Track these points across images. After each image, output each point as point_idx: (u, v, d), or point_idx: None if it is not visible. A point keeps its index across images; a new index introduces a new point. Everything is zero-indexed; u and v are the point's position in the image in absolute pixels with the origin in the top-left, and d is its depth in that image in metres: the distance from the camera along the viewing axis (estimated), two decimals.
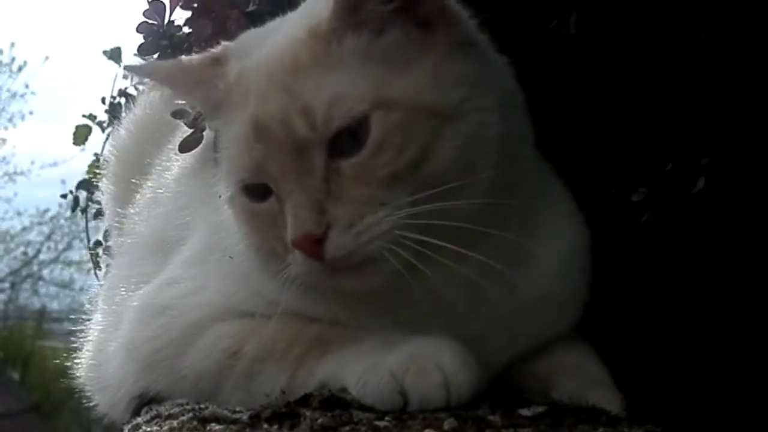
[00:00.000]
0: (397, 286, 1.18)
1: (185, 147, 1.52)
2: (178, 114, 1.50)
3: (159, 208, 1.60)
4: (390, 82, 1.15)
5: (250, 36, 1.33)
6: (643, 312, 1.50)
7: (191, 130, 1.51)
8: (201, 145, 1.51)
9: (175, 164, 1.62)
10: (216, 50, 1.31)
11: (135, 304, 1.41)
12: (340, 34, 1.16)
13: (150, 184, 1.69)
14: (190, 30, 1.56)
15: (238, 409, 1.20)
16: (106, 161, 1.97)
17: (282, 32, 1.24)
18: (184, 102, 1.41)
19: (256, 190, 1.21)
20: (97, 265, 2.36)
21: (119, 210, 1.80)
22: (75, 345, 1.70)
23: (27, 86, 13.00)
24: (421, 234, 1.12)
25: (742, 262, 1.45)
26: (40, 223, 13.15)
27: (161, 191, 1.62)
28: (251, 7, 1.49)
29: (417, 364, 1.12)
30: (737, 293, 1.46)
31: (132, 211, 1.72)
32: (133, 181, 1.78)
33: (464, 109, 1.16)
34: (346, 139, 1.14)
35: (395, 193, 1.13)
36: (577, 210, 1.37)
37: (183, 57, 1.34)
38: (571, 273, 1.34)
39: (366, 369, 1.14)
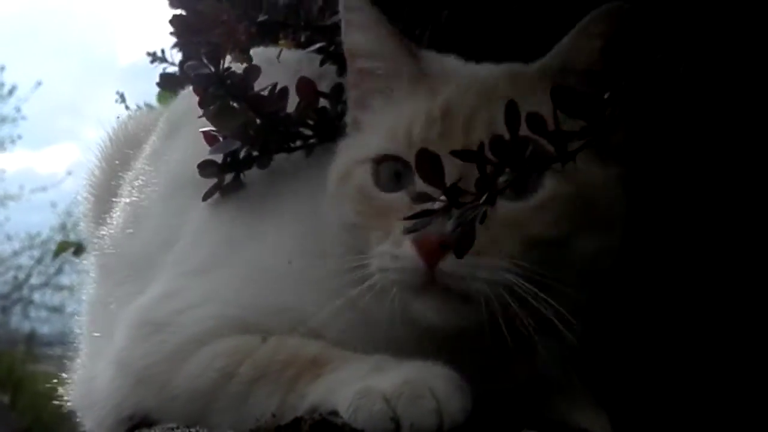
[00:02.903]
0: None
1: (209, 194, 1.46)
2: (203, 166, 1.45)
3: (146, 222, 1.57)
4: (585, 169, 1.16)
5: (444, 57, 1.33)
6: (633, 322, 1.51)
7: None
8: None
9: (153, 181, 1.60)
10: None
11: (129, 319, 1.38)
12: (542, 85, 1.16)
13: (127, 201, 1.65)
14: (183, 54, 1.55)
15: None
16: (84, 201, 1.96)
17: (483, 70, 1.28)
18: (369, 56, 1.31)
19: (386, 176, 1.20)
20: None
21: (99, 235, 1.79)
22: (65, 369, 1.69)
23: (18, 110, 12.97)
24: (527, 305, 1.11)
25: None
26: (30, 247, 13.13)
27: (143, 208, 1.59)
28: (262, 18, 1.48)
29: (410, 389, 1.11)
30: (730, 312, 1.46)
31: (113, 228, 1.67)
32: (110, 207, 1.74)
33: (616, 225, 1.20)
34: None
35: (529, 258, 1.12)
36: None
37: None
38: None
39: (358, 393, 1.13)
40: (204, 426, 1.25)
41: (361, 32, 1.29)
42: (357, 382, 1.15)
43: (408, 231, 1.08)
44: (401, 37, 1.28)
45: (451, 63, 1.31)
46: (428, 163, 1.05)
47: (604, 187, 1.20)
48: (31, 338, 12.41)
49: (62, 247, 2.70)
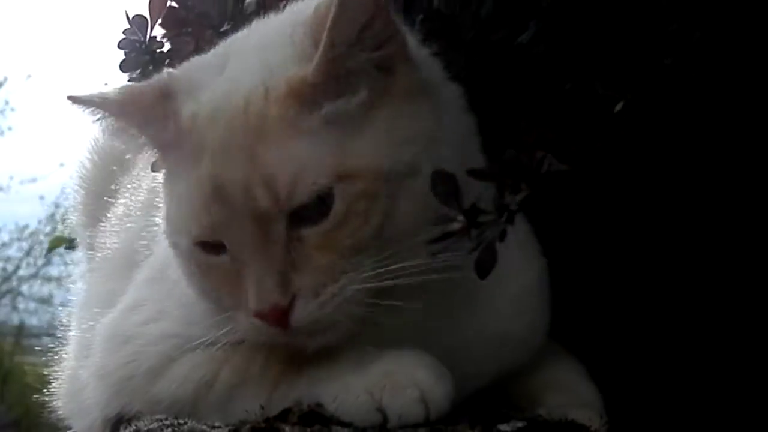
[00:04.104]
0: (357, 331, 1.17)
1: (157, 167, 1.49)
2: None
3: (129, 224, 1.58)
4: (351, 150, 1.11)
5: (197, 66, 1.26)
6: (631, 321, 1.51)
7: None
8: None
9: (144, 181, 1.61)
10: (162, 79, 1.25)
11: (102, 332, 1.39)
12: (319, 94, 1.11)
13: (122, 201, 1.67)
14: (171, 46, 1.56)
15: (217, 424, 1.19)
16: (74, 194, 1.96)
17: (240, 71, 1.18)
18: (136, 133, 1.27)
19: (209, 245, 1.16)
20: None
21: (91, 235, 1.79)
22: (53, 362, 1.70)
23: (7, 102, 12.90)
24: (380, 293, 1.12)
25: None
26: (19, 239, 13.06)
27: (132, 208, 1.60)
28: (225, 27, 1.48)
29: (392, 381, 1.12)
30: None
31: (103, 227, 1.70)
32: (102, 204, 1.75)
33: (419, 163, 1.13)
34: (308, 209, 1.10)
35: (358, 260, 1.11)
36: (534, 241, 1.36)
37: (131, 84, 1.28)
38: (528, 311, 1.34)
39: (341, 388, 1.14)
40: (193, 417, 1.26)
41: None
42: (338, 377, 1.16)
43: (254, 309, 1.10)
44: (150, 95, 1.21)
45: (211, 71, 1.21)
46: (443, 185, 1.07)
47: (391, 143, 1.13)
48: (20, 330, 12.36)
49: (55, 243, 2.68)
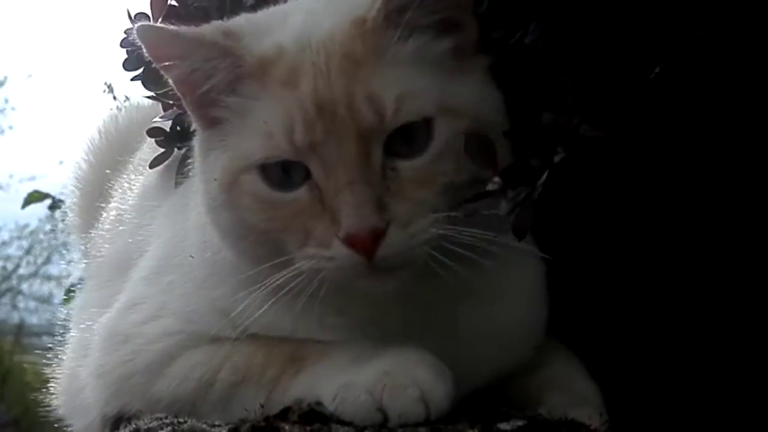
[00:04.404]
0: (417, 288, 1.17)
1: (156, 163, 1.51)
2: (152, 132, 1.49)
3: (123, 227, 1.59)
4: (452, 90, 1.15)
5: (255, 18, 1.28)
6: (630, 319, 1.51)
7: (161, 150, 1.51)
8: (167, 162, 1.51)
9: (137, 184, 1.61)
10: (220, 25, 1.24)
11: (101, 331, 1.40)
12: (390, 32, 1.14)
13: (114, 205, 1.68)
14: None
15: (217, 423, 1.19)
16: (70, 194, 1.96)
17: (318, 15, 1.20)
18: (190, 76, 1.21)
19: (276, 177, 1.15)
20: None
21: (87, 236, 1.80)
22: (52, 361, 1.70)
23: (7, 101, 12.92)
24: (459, 248, 1.11)
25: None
26: (19, 238, 13.07)
27: (125, 211, 1.61)
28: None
29: (392, 380, 1.12)
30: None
31: (97, 233, 1.71)
32: (98, 206, 1.77)
33: (500, 133, 1.15)
34: (401, 140, 1.12)
35: (448, 201, 1.12)
36: (531, 239, 1.34)
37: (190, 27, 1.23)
38: (527, 308, 1.35)
39: (341, 387, 1.14)
40: (193, 416, 1.26)
41: (167, 48, 1.20)
42: (338, 375, 1.16)
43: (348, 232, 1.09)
44: (215, 35, 1.20)
45: (275, 20, 1.24)
46: (478, 146, 1.08)
47: (484, 101, 1.18)
48: (20, 329, 12.37)
49: (33, 198, 2.65)
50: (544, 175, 1.06)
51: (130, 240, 1.52)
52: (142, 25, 1.21)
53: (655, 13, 1.15)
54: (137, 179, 1.62)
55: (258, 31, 1.21)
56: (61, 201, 2.33)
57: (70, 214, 1.96)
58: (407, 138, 1.12)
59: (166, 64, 1.20)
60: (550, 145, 1.06)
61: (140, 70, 1.57)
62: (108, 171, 1.78)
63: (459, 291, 1.21)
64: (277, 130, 1.14)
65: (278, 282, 1.15)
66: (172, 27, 1.21)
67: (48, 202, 2.79)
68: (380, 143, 1.12)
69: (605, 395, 1.35)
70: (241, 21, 1.28)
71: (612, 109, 1.08)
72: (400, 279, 1.14)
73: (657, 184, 1.46)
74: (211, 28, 1.23)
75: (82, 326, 1.57)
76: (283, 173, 1.15)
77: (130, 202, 1.60)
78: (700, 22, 1.12)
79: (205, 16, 1.43)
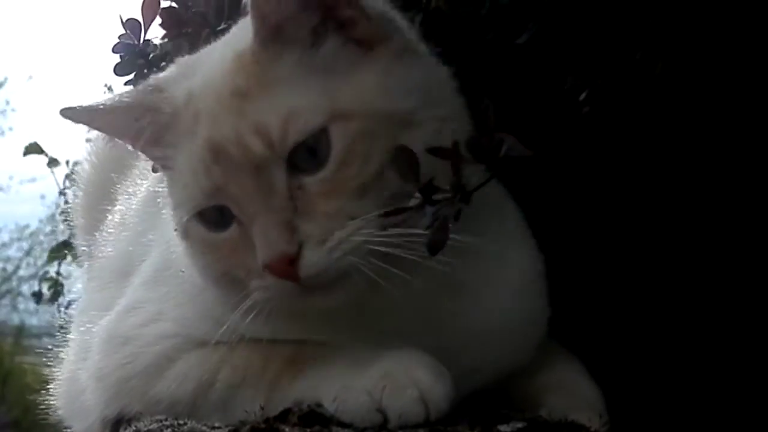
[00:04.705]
0: (362, 301, 1.16)
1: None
2: None
3: (125, 231, 1.59)
4: (341, 92, 1.13)
5: (186, 62, 1.30)
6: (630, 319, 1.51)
7: None
8: None
9: (141, 188, 1.61)
10: (149, 81, 1.28)
11: (101, 334, 1.40)
12: (269, 55, 1.15)
13: (118, 208, 1.68)
14: (167, 49, 1.56)
15: (217, 424, 1.20)
16: (74, 195, 1.97)
17: (216, 57, 1.23)
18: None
19: (213, 218, 1.17)
20: None
21: (90, 238, 1.81)
22: (52, 363, 1.70)
23: (8, 102, 12.91)
24: (390, 244, 1.10)
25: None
26: (19, 239, 13.07)
27: (128, 215, 1.61)
28: (222, 26, 1.48)
29: (392, 381, 1.12)
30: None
31: (101, 235, 1.71)
32: (101, 208, 1.77)
33: (419, 117, 1.14)
34: (305, 155, 1.12)
35: (364, 204, 1.11)
36: (530, 235, 1.36)
37: (116, 94, 1.29)
38: (525, 302, 1.33)
39: (341, 388, 1.14)
40: (193, 418, 1.26)
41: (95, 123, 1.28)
42: (338, 377, 1.16)
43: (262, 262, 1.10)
44: (140, 93, 1.26)
45: (201, 62, 1.27)
46: (404, 161, 1.08)
47: (387, 91, 1.15)
48: (20, 330, 12.36)
49: (32, 149, 2.68)
50: (458, 195, 1.06)
51: (131, 245, 1.53)
52: (64, 109, 1.24)
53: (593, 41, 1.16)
54: (142, 183, 1.62)
55: (183, 76, 1.24)
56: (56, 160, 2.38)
57: (74, 214, 1.97)
58: (311, 152, 1.12)
59: (102, 133, 1.28)
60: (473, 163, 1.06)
61: (132, 75, 1.57)
62: (113, 173, 1.78)
63: (450, 288, 1.21)
64: (188, 179, 1.17)
65: (246, 308, 1.17)
66: (91, 104, 1.25)
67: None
68: (280, 168, 1.12)
69: (606, 398, 1.35)
70: (174, 68, 1.31)
71: (538, 128, 1.09)
72: (343, 292, 1.14)
73: (657, 186, 1.46)
74: (138, 87, 1.28)
75: (82, 329, 1.57)
76: (219, 214, 1.17)
77: (133, 206, 1.61)
78: (636, 46, 1.12)
79: (204, 21, 1.43)
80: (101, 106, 1.24)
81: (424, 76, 1.19)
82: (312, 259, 1.10)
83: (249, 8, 1.16)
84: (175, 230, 1.25)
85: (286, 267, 1.10)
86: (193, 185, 1.17)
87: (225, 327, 1.21)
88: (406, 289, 1.15)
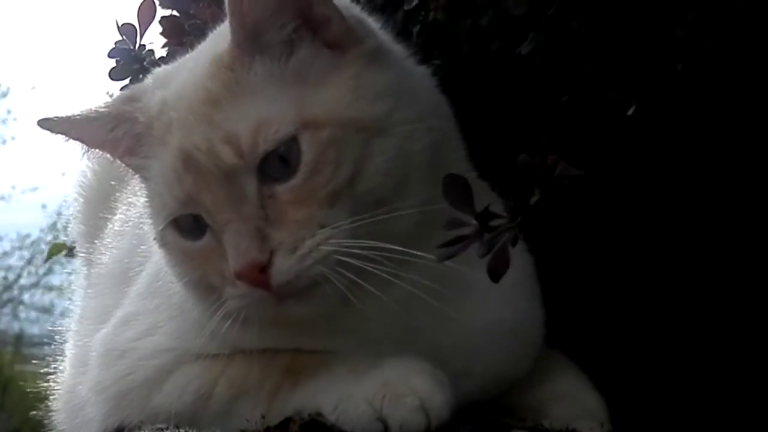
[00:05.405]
0: (339, 310, 1.16)
1: None
2: None
3: (124, 240, 1.59)
4: (311, 101, 1.14)
5: (163, 71, 1.31)
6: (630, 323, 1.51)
7: None
8: None
9: (142, 198, 1.61)
10: (125, 91, 1.29)
11: (97, 347, 1.40)
12: (244, 62, 1.15)
13: (118, 217, 1.68)
14: (165, 54, 1.56)
15: None
16: (74, 202, 1.97)
17: (190, 65, 1.23)
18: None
19: (188, 226, 1.18)
20: None
21: (90, 246, 1.81)
22: (52, 375, 1.70)
23: (9, 112, 12.93)
24: (360, 256, 1.10)
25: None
26: (20, 248, 13.07)
27: (127, 224, 1.61)
28: None
29: (392, 390, 1.12)
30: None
31: (101, 243, 1.71)
32: (102, 216, 1.77)
33: (390, 121, 1.15)
34: (276, 164, 1.12)
35: (335, 213, 1.11)
36: (521, 237, 1.36)
37: (92, 106, 1.29)
38: (517, 304, 1.31)
39: (341, 397, 1.14)
40: (194, 427, 1.25)
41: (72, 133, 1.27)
42: (337, 386, 1.15)
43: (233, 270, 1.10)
44: (116, 104, 1.27)
45: (176, 70, 1.28)
46: (455, 190, 1.07)
47: (357, 97, 1.15)
48: (20, 339, 12.36)
49: (55, 250, 2.69)
50: (518, 219, 1.05)
51: (128, 256, 1.52)
52: (42, 120, 1.24)
53: (632, 50, 1.15)
54: (142, 192, 1.62)
55: (159, 86, 1.25)
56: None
57: (74, 222, 1.96)
58: (282, 161, 1.12)
59: (79, 145, 1.27)
60: (526, 186, 1.05)
61: (127, 80, 1.57)
62: (114, 181, 1.78)
63: (444, 288, 1.20)
64: (162, 188, 1.18)
65: (221, 316, 1.17)
66: (69, 115, 1.26)
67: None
68: (251, 177, 1.12)
69: (609, 407, 1.34)
70: (150, 77, 1.31)
71: (590, 148, 1.07)
72: (315, 301, 1.14)
73: (655, 193, 1.46)
74: (115, 97, 1.30)
75: (79, 343, 1.57)
76: (194, 223, 1.18)
77: (133, 215, 1.60)
78: (678, 57, 1.11)
79: (201, 35, 1.44)
80: (78, 117, 1.25)
81: (396, 79, 1.19)
82: (283, 267, 1.10)
83: (227, 9, 1.16)
84: (154, 239, 1.25)
85: (258, 275, 1.10)
86: (166, 194, 1.18)
87: (216, 340, 1.21)
88: (379, 303, 1.15)
